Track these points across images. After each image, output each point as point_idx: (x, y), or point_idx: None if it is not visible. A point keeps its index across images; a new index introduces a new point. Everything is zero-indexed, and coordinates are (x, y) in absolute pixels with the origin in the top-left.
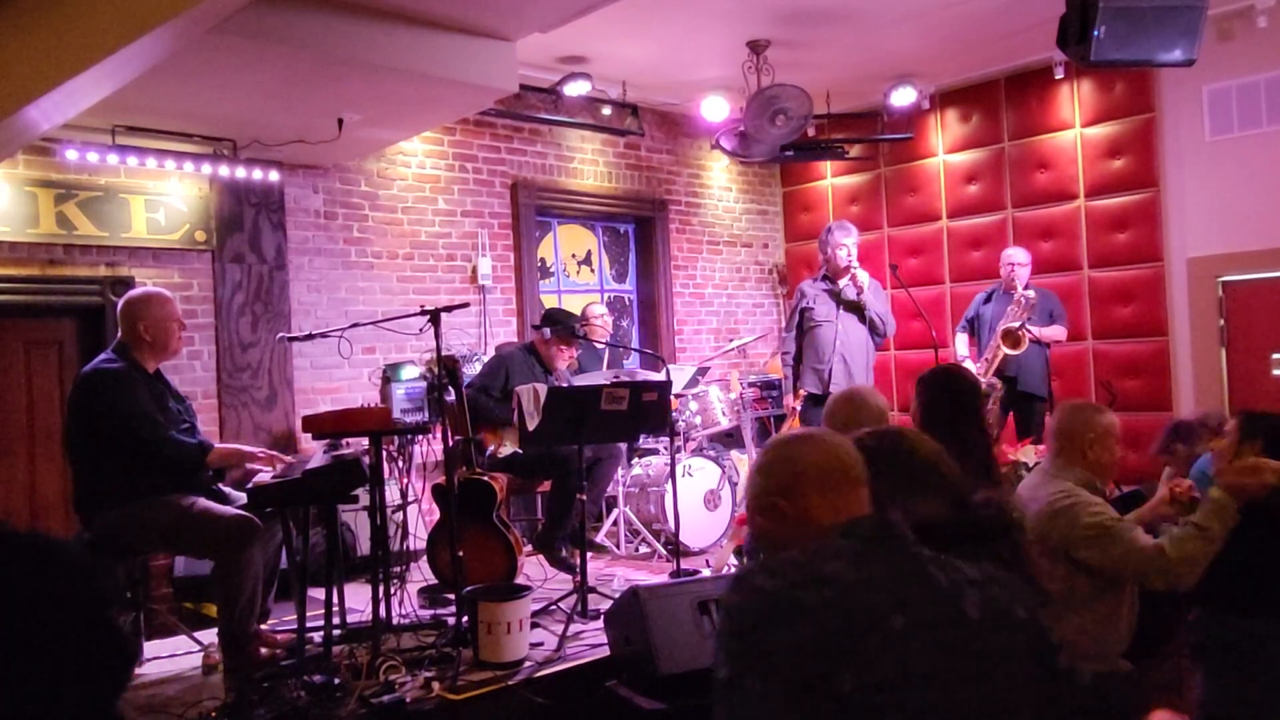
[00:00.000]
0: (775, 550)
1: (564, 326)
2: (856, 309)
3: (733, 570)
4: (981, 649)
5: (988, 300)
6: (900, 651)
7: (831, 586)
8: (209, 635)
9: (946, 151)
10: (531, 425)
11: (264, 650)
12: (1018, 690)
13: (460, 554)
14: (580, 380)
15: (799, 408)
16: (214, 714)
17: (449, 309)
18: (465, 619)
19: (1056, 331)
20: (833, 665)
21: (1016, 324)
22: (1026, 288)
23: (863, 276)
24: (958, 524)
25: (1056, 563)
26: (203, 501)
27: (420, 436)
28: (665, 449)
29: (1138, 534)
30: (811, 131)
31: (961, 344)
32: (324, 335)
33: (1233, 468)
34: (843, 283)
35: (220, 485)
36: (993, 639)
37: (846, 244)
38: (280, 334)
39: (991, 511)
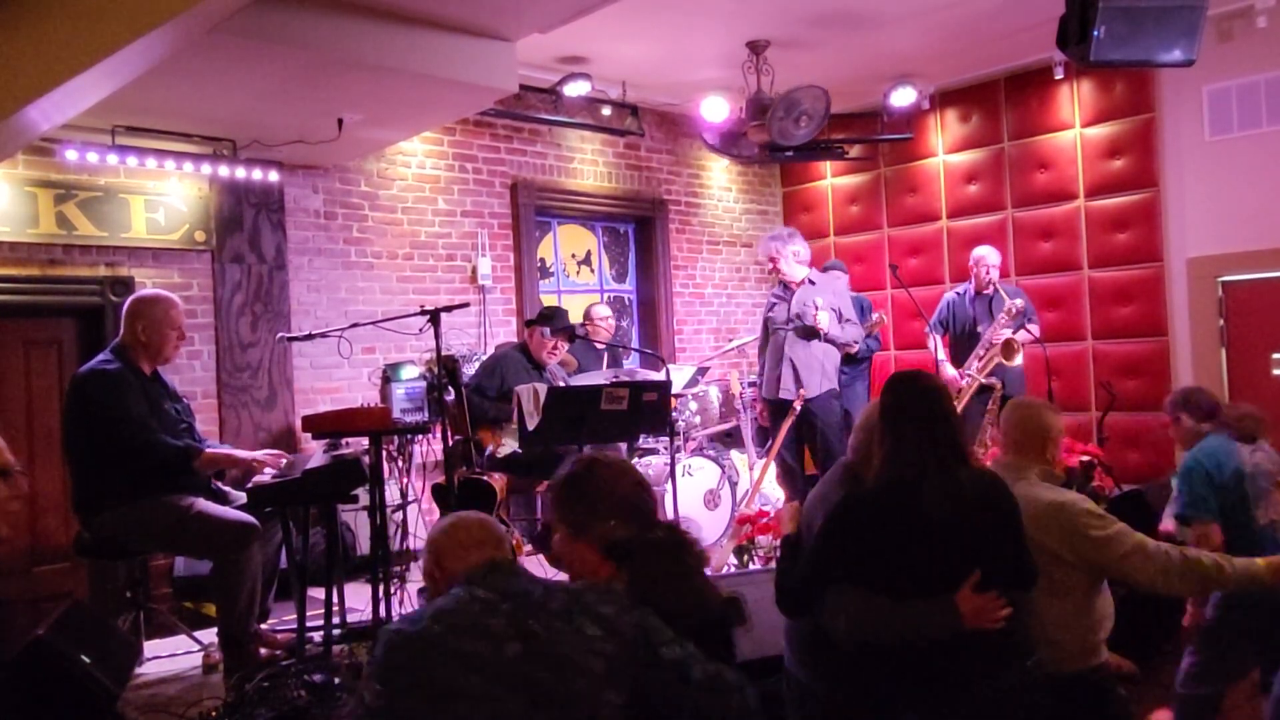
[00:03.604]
0: None
1: (562, 326)
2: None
3: (733, 570)
4: (571, 641)
5: (960, 300)
6: (502, 653)
7: (444, 621)
8: (209, 635)
9: (946, 151)
10: (531, 425)
11: (264, 650)
12: (604, 675)
13: None
14: (580, 380)
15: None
16: (214, 714)
17: (449, 309)
18: None
19: (1034, 331)
20: (451, 682)
21: (1012, 334)
22: (996, 289)
23: (823, 317)
24: (638, 541)
25: (1040, 554)
26: (201, 502)
27: (420, 436)
28: (665, 449)
29: (1140, 537)
30: None
31: (937, 346)
32: (324, 335)
33: None
34: (797, 295)
35: (220, 485)
36: (580, 633)
37: (777, 249)
38: (280, 334)
39: (664, 533)
